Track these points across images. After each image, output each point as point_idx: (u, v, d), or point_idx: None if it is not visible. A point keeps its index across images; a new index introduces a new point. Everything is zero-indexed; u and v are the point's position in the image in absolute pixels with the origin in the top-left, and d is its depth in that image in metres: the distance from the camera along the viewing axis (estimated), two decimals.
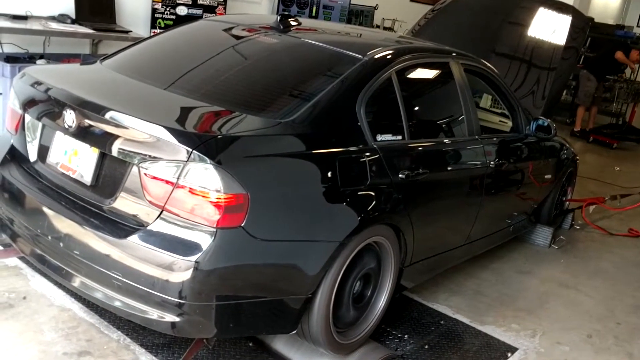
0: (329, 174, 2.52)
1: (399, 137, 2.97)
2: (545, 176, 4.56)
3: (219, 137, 2.36)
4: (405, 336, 3.22)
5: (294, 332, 2.63)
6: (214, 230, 2.22)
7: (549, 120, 4.13)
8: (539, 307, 3.83)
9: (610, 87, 9.75)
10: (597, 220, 5.62)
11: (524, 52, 5.30)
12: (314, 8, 7.39)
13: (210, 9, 6.11)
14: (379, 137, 2.82)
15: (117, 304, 2.36)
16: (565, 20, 5.33)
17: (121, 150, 2.35)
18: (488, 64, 3.91)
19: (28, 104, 2.75)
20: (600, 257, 4.86)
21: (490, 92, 4.36)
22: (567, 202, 5.32)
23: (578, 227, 5.41)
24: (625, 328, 3.74)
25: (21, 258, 3.27)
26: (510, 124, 4.19)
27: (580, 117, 9.61)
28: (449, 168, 3.37)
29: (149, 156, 2.28)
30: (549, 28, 5.35)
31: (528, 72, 5.25)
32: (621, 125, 10.28)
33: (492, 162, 3.60)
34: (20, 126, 2.81)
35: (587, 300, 4.05)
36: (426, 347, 3.16)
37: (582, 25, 5.63)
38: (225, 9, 6.23)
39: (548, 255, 4.71)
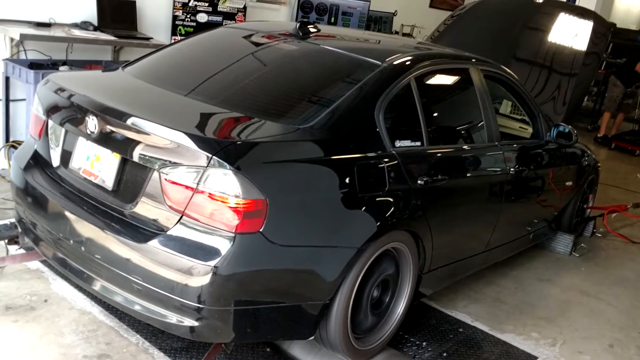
0: (348, 180, 2.52)
1: (418, 143, 2.96)
2: (566, 183, 4.51)
3: (238, 143, 2.38)
4: (424, 343, 3.21)
5: (312, 337, 2.63)
6: (233, 235, 2.23)
7: (570, 126, 4.09)
8: (559, 315, 3.79)
9: (633, 93, 9.60)
10: (619, 228, 5.53)
11: (545, 58, 5.26)
12: (333, 14, 7.41)
13: (230, 16, 6.16)
14: (398, 143, 2.81)
15: (136, 307, 2.39)
16: (587, 26, 5.28)
17: (142, 156, 2.37)
18: (508, 70, 3.89)
19: (51, 110, 2.79)
20: (622, 265, 4.79)
21: (510, 98, 4.33)
22: (589, 210, 5.26)
23: (599, 235, 5.34)
24: None
25: (43, 261, 3.32)
26: (530, 130, 4.16)
27: (605, 123, 9.48)
28: (468, 174, 3.35)
29: (170, 162, 2.30)
30: (570, 34, 5.31)
31: (549, 78, 5.21)
32: None
33: (512, 169, 3.58)
34: (44, 132, 2.85)
35: (608, 309, 3.99)
36: (444, 354, 3.14)
37: (604, 30, 5.58)
38: (245, 15, 6.28)
39: (569, 263, 4.65)
